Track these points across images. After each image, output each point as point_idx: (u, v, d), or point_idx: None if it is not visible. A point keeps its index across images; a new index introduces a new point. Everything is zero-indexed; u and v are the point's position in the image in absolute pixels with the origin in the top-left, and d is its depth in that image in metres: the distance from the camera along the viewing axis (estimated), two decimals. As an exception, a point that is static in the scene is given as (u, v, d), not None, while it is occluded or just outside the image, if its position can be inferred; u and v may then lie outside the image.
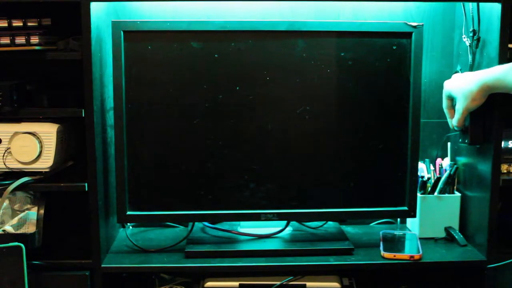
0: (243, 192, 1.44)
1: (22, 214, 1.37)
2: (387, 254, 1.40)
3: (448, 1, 1.56)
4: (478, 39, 1.42)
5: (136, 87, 1.37)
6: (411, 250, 1.42)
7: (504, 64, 1.25)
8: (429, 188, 1.53)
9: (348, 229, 1.61)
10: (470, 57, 1.46)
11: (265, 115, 1.41)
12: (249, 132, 1.41)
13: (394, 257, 1.40)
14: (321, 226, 1.58)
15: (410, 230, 1.60)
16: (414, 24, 1.40)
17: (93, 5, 1.27)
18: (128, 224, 1.58)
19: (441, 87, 1.41)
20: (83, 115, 1.31)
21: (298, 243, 1.47)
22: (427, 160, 1.58)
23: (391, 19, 1.57)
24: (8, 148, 1.33)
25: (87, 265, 1.36)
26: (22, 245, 1.28)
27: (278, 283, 1.40)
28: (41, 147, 1.33)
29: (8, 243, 1.28)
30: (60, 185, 1.34)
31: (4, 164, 1.34)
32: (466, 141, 1.40)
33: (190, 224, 1.54)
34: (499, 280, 1.42)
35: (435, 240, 1.52)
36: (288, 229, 1.54)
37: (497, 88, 1.26)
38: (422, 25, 1.40)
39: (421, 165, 1.54)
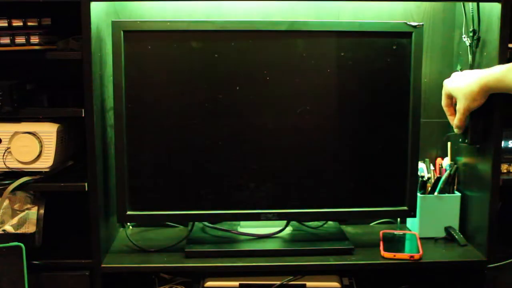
0: (243, 192, 1.44)
1: (22, 214, 1.37)
2: (387, 254, 1.40)
3: (448, 1, 1.56)
4: (478, 39, 1.42)
5: (136, 87, 1.37)
6: (411, 250, 1.42)
7: (505, 64, 1.25)
8: (429, 188, 1.53)
9: (348, 229, 1.61)
10: (470, 57, 1.46)
11: (265, 115, 1.41)
12: (249, 132, 1.41)
13: (394, 257, 1.40)
14: (321, 226, 1.58)
15: (410, 230, 1.60)
16: (414, 24, 1.40)
17: (93, 5, 1.27)
18: (128, 224, 1.58)
19: (441, 87, 1.41)
20: (83, 115, 1.31)
21: (298, 243, 1.47)
22: (427, 160, 1.58)
23: (391, 19, 1.57)
24: (8, 148, 1.33)
25: (87, 265, 1.36)
26: (22, 245, 1.28)
27: (278, 283, 1.40)
28: (41, 147, 1.33)
29: (8, 243, 1.28)
30: (60, 185, 1.34)
31: (4, 164, 1.34)
32: (466, 141, 1.40)
33: (190, 224, 1.54)
34: (499, 280, 1.42)
35: (435, 240, 1.52)
36: (288, 229, 1.54)
37: (497, 88, 1.26)
38: (422, 25, 1.40)
39: (421, 165, 1.54)
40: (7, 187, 1.30)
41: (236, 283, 1.40)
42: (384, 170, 1.46)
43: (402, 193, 1.46)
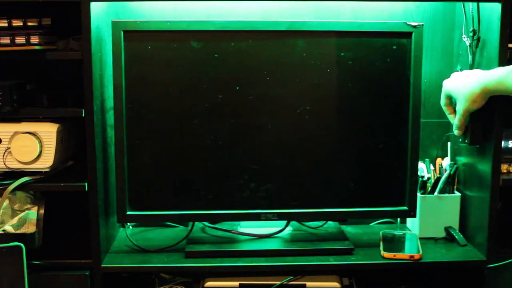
0: (243, 192, 1.44)
1: (22, 214, 1.37)
2: (387, 254, 1.40)
3: (448, 1, 1.56)
4: (478, 39, 1.42)
5: (136, 87, 1.37)
6: (411, 250, 1.42)
7: (505, 67, 1.25)
8: (429, 188, 1.53)
9: (348, 229, 1.61)
10: (470, 57, 1.46)
11: (265, 115, 1.41)
12: (249, 132, 1.41)
13: (394, 257, 1.40)
14: (321, 226, 1.58)
15: (410, 230, 1.60)
16: (414, 24, 1.40)
17: (93, 5, 1.27)
18: (128, 224, 1.58)
19: (441, 87, 1.41)
20: (83, 115, 1.31)
21: (298, 243, 1.47)
22: (427, 160, 1.58)
23: (391, 19, 1.57)
24: (8, 148, 1.33)
25: (87, 265, 1.36)
26: (22, 245, 1.28)
27: (278, 283, 1.40)
28: (41, 147, 1.33)
29: (8, 243, 1.28)
30: (60, 185, 1.34)
31: (4, 164, 1.34)
32: (466, 141, 1.40)
33: (190, 224, 1.54)
34: (499, 280, 1.42)
35: (435, 240, 1.52)
36: (288, 229, 1.54)
37: (498, 91, 1.26)
38: (422, 25, 1.40)
39: (421, 165, 1.54)
40: (7, 187, 1.30)
41: (236, 283, 1.40)
42: (384, 170, 1.46)
43: (402, 193, 1.47)
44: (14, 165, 1.34)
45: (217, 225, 1.56)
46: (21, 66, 1.53)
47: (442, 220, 1.53)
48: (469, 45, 1.45)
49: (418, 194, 1.51)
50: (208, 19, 1.44)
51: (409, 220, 1.64)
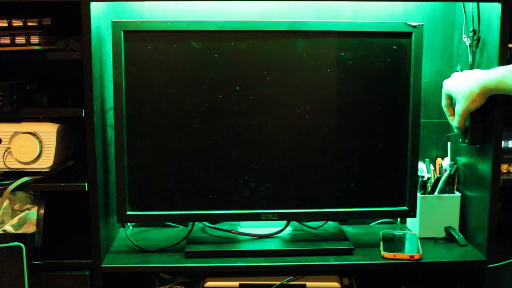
0: (243, 192, 1.44)
1: (22, 214, 1.37)
2: (387, 254, 1.40)
3: (448, 1, 1.56)
4: (478, 39, 1.42)
5: (136, 87, 1.37)
6: (411, 250, 1.42)
7: (505, 66, 1.25)
8: (429, 188, 1.53)
9: (348, 229, 1.61)
10: (470, 57, 1.46)
11: (265, 115, 1.41)
12: (249, 132, 1.41)
13: (394, 257, 1.40)
14: (321, 226, 1.58)
15: (410, 230, 1.60)
16: (414, 24, 1.40)
17: (93, 5, 1.27)
18: (128, 224, 1.58)
19: (441, 87, 1.41)
20: (83, 115, 1.31)
21: (298, 243, 1.47)
22: (427, 160, 1.58)
23: (391, 19, 1.57)
24: (8, 148, 1.33)
25: (87, 265, 1.36)
26: (22, 245, 1.28)
27: (278, 283, 1.40)
28: (41, 147, 1.33)
29: (8, 243, 1.28)
30: (60, 185, 1.34)
31: (4, 164, 1.34)
32: (466, 141, 1.40)
33: (190, 224, 1.54)
34: (499, 280, 1.42)
35: (435, 240, 1.52)
36: (288, 229, 1.54)
37: (497, 90, 1.26)
38: (422, 25, 1.40)
39: (421, 165, 1.54)
40: (7, 187, 1.30)
41: (236, 283, 1.40)
42: (384, 170, 1.46)
43: (402, 193, 1.47)
44: (14, 165, 1.34)
45: (217, 225, 1.56)
46: (21, 66, 1.53)
47: (442, 220, 1.53)
48: (469, 45, 1.45)
49: (418, 194, 1.51)
50: (208, 19, 1.44)
51: (409, 220, 1.64)
